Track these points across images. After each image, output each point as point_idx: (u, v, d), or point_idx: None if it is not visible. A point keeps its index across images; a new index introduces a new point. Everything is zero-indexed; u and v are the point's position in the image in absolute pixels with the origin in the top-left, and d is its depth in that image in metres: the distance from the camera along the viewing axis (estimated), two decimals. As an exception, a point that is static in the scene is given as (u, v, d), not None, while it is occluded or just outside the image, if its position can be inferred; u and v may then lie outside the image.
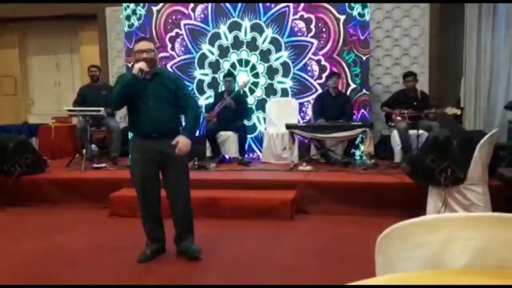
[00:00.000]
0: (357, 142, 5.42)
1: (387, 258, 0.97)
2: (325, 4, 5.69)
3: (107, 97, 5.13)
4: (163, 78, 2.98)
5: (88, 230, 3.84)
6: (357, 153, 5.54)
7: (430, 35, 6.00)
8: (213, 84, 6.10)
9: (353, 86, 5.71)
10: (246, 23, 5.93)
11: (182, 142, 2.83)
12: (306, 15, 5.76)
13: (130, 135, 3.47)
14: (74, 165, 5.25)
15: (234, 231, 3.69)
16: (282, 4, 5.79)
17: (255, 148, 6.01)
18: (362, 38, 5.62)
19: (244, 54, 6.00)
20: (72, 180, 4.76)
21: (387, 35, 6.14)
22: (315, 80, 5.82)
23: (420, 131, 4.77)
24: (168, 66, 6.10)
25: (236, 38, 5.98)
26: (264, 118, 5.98)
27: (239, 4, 5.91)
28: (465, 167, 3.39)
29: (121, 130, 5.63)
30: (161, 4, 6.11)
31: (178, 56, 6.15)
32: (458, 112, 4.68)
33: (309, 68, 5.83)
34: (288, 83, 5.90)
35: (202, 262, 2.99)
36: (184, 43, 6.12)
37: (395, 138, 5.09)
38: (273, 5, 5.82)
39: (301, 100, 5.85)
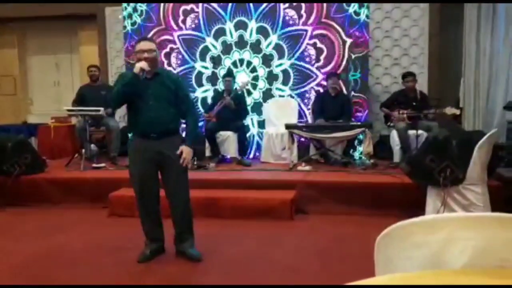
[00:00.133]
0: (356, 142, 5.42)
1: (387, 258, 0.97)
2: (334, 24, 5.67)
3: (106, 97, 5.13)
4: (164, 78, 2.98)
5: (88, 230, 3.84)
6: (357, 153, 5.54)
7: (429, 35, 6.01)
8: (212, 78, 6.09)
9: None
10: (253, 24, 5.92)
11: (186, 152, 2.91)
12: (315, 40, 5.75)
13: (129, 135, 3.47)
14: (74, 165, 5.24)
15: (234, 231, 3.69)
16: (301, 26, 5.76)
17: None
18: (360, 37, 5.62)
19: (247, 54, 5.99)
20: (72, 180, 4.76)
21: (386, 35, 6.15)
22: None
23: (419, 131, 4.77)
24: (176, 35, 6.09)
25: (241, 37, 5.98)
26: (258, 121, 5.99)
27: (259, 8, 5.86)
28: (464, 167, 3.39)
29: (121, 130, 5.63)
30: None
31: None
32: (457, 112, 4.68)
33: (309, 95, 5.85)
34: (287, 91, 5.90)
35: (202, 262, 2.99)
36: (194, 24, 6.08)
37: (394, 138, 5.09)
38: (290, 22, 5.79)
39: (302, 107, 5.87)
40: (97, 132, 5.81)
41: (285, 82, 5.90)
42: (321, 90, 5.72)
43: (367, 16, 5.62)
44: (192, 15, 6.07)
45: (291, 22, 5.81)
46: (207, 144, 5.46)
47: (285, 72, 5.88)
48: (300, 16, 5.78)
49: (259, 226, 3.79)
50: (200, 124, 5.27)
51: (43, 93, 7.93)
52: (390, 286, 0.80)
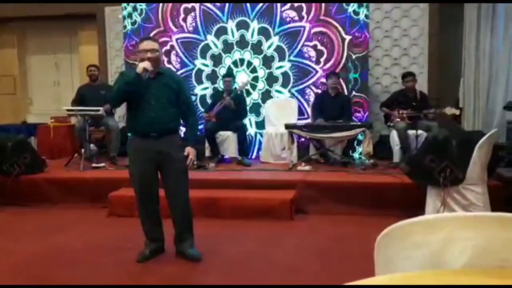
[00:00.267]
0: (355, 142, 5.42)
1: (387, 258, 0.97)
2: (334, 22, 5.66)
3: (106, 97, 5.13)
4: (166, 78, 2.98)
5: (88, 230, 3.83)
6: (356, 153, 5.54)
7: (429, 35, 6.00)
8: (212, 76, 6.08)
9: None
10: (255, 25, 5.91)
11: (192, 153, 2.95)
12: (315, 43, 5.75)
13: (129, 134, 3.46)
14: (73, 165, 5.24)
15: (234, 231, 3.69)
16: (299, 23, 5.75)
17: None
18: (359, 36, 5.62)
19: (247, 55, 5.99)
20: (71, 180, 4.76)
21: (386, 35, 6.14)
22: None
23: (419, 131, 4.77)
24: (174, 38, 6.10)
25: (242, 36, 5.97)
26: (256, 122, 5.98)
27: (256, 7, 5.86)
28: (464, 167, 3.39)
29: (120, 130, 5.62)
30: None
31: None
32: (457, 112, 4.68)
33: (309, 91, 5.84)
34: (286, 93, 5.89)
35: (202, 262, 2.99)
36: (194, 24, 6.08)
37: (394, 138, 5.09)
38: (289, 20, 5.78)
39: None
40: (97, 132, 5.81)
41: (284, 85, 5.89)
42: (319, 92, 5.71)
43: (366, 16, 5.62)
44: (192, 14, 6.06)
45: (288, 19, 5.81)
46: (207, 144, 5.46)
47: (285, 74, 5.88)
48: (300, 17, 5.77)
49: (259, 226, 3.79)
50: (200, 127, 5.28)
51: (43, 93, 7.92)
52: (390, 286, 0.80)
